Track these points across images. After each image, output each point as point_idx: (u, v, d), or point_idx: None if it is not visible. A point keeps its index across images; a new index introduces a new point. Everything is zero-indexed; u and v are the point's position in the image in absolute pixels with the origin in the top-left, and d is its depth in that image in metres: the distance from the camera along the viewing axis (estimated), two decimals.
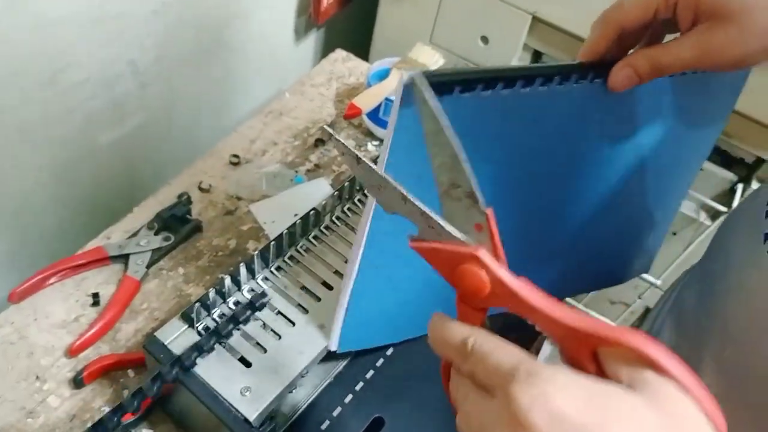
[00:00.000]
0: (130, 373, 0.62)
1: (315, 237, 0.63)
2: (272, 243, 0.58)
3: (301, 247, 0.62)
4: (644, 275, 0.81)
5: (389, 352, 0.59)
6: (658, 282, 0.97)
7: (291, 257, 0.61)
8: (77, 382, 0.60)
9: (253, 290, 0.57)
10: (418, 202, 0.32)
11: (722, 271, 0.56)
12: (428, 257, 0.33)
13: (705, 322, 0.56)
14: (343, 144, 0.34)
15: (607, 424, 0.25)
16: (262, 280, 0.58)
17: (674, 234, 1.03)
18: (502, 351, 0.29)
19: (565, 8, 0.97)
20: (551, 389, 0.25)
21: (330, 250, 0.62)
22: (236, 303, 0.56)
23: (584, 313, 0.30)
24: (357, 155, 0.33)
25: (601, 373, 0.28)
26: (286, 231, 0.60)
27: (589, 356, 0.28)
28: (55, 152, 0.78)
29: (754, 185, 1.03)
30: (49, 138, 0.76)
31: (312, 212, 0.62)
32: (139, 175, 0.93)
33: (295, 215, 0.78)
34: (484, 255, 0.31)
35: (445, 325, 0.32)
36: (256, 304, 0.55)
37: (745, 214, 0.57)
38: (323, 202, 0.63)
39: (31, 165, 0.76)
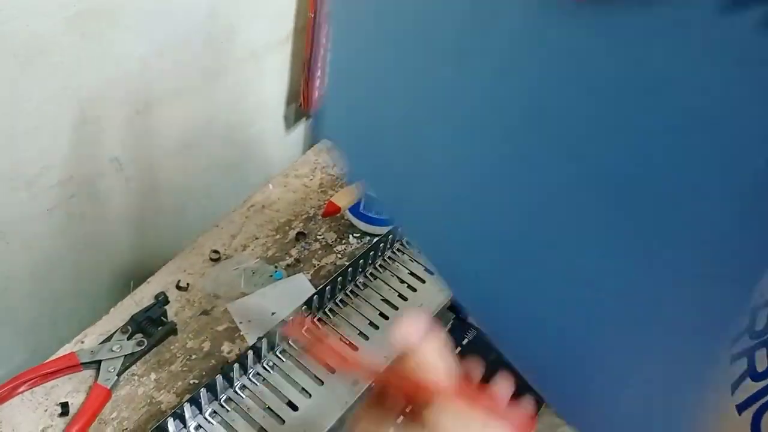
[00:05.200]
0: None
1: (282, 351, 0.63)
2: (234, 364, 0.58)
3: (267, 363, 0.62)
4: None
5: None
6: None
7: (257, 374, 0.61)
8: None
9: (224, 404, 0.57)
10: None
11: None
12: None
13: None
14: None
15: None
16: (240, 388, 0.58)
17: None
18: None
19: None
20: None
21: (298, 366, 0.62)
22: (213, 413, 0.56)
23: None
24: None
25: None
26: (252, 348, 0.59)
27: None
28: (33, 250, 0.79)
29: None
30: (27, 235, 0.77)
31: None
32: (122, 268, 0.94)
33: (273, 314, 0.79)
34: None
35: None
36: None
37: None
38: (290, 317, 0.63)
39: (8, 261, 0.77)
